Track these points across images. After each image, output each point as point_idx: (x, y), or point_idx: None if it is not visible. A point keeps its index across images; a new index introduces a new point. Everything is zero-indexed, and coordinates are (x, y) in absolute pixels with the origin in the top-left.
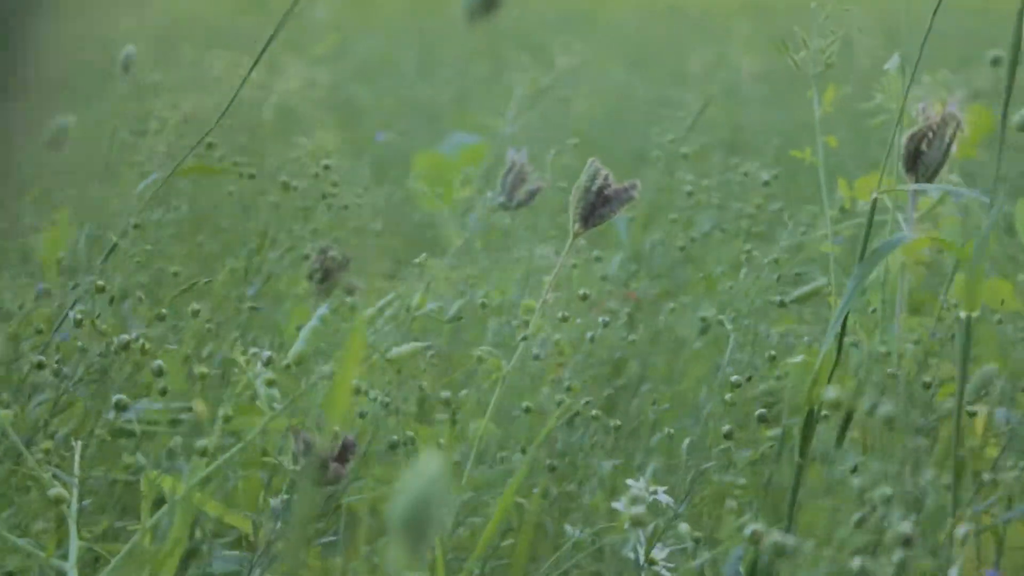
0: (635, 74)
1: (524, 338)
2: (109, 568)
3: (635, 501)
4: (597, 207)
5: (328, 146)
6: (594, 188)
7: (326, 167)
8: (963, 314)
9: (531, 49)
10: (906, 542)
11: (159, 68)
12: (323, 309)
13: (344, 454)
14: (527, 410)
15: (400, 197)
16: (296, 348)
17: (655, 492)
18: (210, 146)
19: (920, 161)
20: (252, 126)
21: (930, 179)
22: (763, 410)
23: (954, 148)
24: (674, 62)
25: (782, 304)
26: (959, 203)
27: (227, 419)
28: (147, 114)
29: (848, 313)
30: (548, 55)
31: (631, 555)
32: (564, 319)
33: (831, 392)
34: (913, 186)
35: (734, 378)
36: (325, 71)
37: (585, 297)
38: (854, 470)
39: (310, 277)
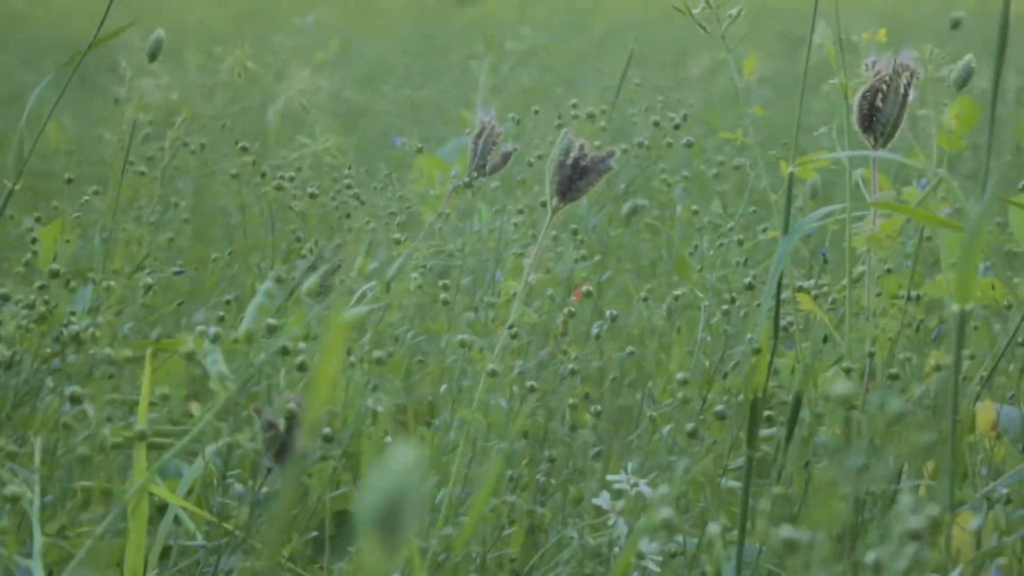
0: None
1: (512, 327)
2: (73, 563)
3: (618, 496)
4: (574, 180)
5: (332, 147)
6: (569, 161)
7: (348, 184)
8: (956, 307)
9: (527, 53)
10: (915, 537)
11: (163, 72)
12: (268, 283)
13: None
14: (531, 389)
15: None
16: (244, 325)
17: (636, 484)
18: (244, 149)
19: (875, 119)
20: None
21: (888, 136)
22: (722, 407)
23: (912, 97)
24: (675, 63)
25: (750, 287)
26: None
27: (164, 398)
28: (151, 119)
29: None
30: (539, 56)
31: (615, 550)
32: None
33: (840, 387)
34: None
35: (680, 375)
36: (328, 77)
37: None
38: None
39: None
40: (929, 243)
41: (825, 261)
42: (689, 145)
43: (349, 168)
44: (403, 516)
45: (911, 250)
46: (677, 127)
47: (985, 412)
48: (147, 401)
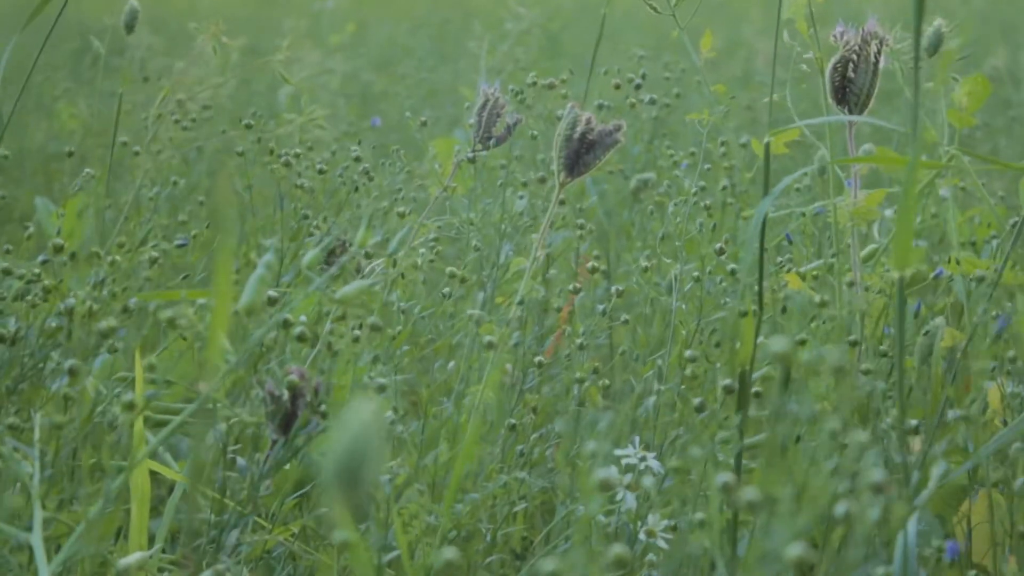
0: (648, 60)
1: (521, 302)
2: (72, 538)
3: (626, 470)
4: (581, 154)
5: (320, 119)
6: (576, 135)
7: (356, 157)
8: (896, 274)
9: (542, 37)
10: (878, 490)
11: (174, 56)
12: (268, 256)
13: (316, 399)
14: (539, 365)
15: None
16: (245, 298)
17: (644, 459)
18: (248, 127)
19: (848, 90)
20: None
21: (863, 106)
22: (728, 380)
23: (883, 64)
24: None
25: (721, 252)
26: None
27: (151, 367)
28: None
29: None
30: (559, 43)
31: (627, 528)
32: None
33: (776, 344)
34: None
35: (688, 353)
36: (343, 59)
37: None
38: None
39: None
40: (935, 220)
41: (791, 243)
42: (653, 102)
43: (359, 143)
44: (363, 469)
45: (918, 227)
46: (638, 87)
47: (995, 391)
48: (141, 373)
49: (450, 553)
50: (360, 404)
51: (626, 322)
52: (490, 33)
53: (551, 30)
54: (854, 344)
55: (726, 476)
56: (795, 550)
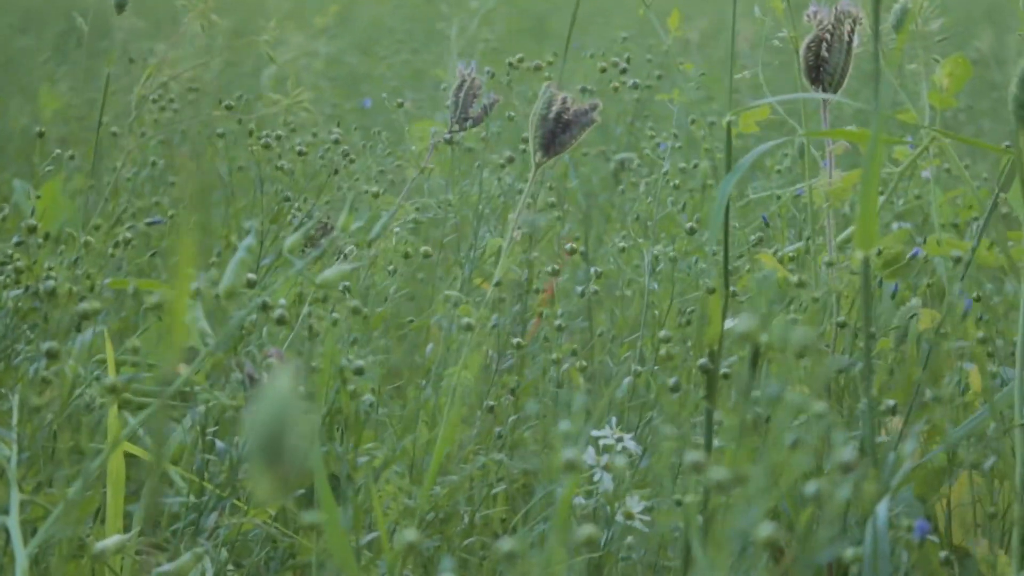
0: (635, 42)
1: (498, 283)
2: (49, 521)
3: (604, 450)
4: (557, 134)
5: (305, 101)
6: (552, 115)
7: (335, 139)
8: (860, 254)
9: (530, 19)
10: (847, 468)
11: (159, 38)
12: (249, 239)
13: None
14: (517, 346)
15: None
16: (225, 280)
17: (621, 439)
18: (229, 108)
19: (823, 70)
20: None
21: (837, 85)
22: (705, 360)
23: (856, 44)
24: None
25: (692, 232)
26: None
27: (133, 350)
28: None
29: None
30: (546, 24)
31: (604, 510)
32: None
33: (738, 323)
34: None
35: (663, 333)
36: (326, 42)
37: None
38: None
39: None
40: (919, 201)
41: (767, 225)
42: (636, 87)
43: (338, 125)
44: (285, 440)
45: (900, 209)
46: (624, 71)
47: (975, 375)
48: (112, 354)
49: (412, 535)
50: (278, 375)
51: (596, 293)
52: (458, 14)
53: (537, 12)
54: (837, 325)
55: (695, 455)
56: (765, 529)
